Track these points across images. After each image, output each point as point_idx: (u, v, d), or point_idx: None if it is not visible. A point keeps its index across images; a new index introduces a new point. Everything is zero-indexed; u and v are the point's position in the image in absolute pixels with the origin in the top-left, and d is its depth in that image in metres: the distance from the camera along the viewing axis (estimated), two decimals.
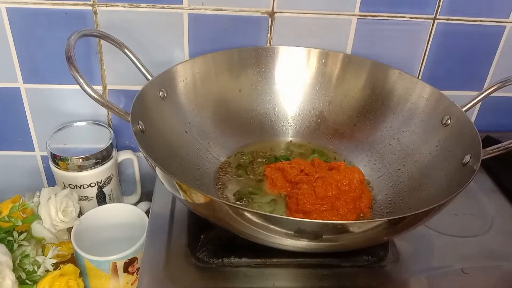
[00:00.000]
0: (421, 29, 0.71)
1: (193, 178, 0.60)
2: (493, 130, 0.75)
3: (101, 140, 0.71)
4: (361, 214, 0.57)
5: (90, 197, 0.72)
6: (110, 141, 0.71)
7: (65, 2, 0.65)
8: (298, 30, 0.70)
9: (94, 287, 0.65)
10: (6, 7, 0.65)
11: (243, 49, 0.68)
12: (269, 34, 0.70)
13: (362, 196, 0.58)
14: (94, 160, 0.69)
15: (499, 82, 0.60)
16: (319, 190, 0.55)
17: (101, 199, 0.73)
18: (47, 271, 0.60)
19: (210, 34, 0.69)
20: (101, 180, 0.71)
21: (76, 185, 0.70)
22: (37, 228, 0.62)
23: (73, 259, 0.66)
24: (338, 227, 0.43)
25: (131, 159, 0.77)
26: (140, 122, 0.54)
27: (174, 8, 0.67)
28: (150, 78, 0.61)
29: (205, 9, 0.67)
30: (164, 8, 0.67)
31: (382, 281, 0.53)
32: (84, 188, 0.70)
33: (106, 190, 0.73)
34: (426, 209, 0.43)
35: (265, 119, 0.70)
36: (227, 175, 0.63)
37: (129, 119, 0.52)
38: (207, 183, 0.61)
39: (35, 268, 0.59)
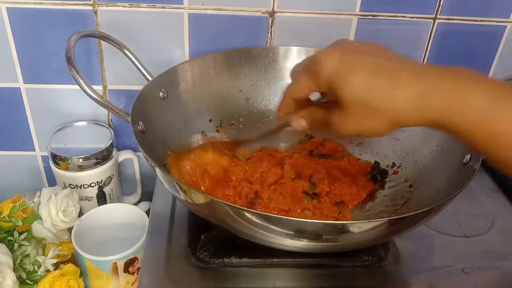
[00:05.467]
0: (421, 29, 0.71)
1: None
2: None
3: (102, 140, 0.71)
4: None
5: (91, 197, 0.72)
6: (111, 141, 0.71)
7: (65, 2, 0.65)
8: (298, 30, 0.70)
9: (94, 287, 0.65)
10: (6, 7, 0.65)
11: (243, 49, 0.68)
12: (269, 34, 0.70)
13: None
14: (94, 160, 0.69)
15: None
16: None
17: (102, 199, 0.73)
18: (48, 271, 0.60)
19: (210, 34, 0.69)
20: (102, 180, 0.71)
21: (76, 185, 0.70)
22: (37, 228, 0.62)
23: (74, 259, 0.66)
24: (338, 227, 0.43)
25: (132, 159, 0.77)
26: (140, 122, 0.54)
27: (174, 8, 0.67)
28: (150, 78, 0.61)
29: (205, 9, 0.67)
30: (164, 8, 0.67)
31: (383, 281, 0.53)
32: (84, 188, 0.70)
33: (106, 190, 0.73)
34: (426, 209, 0.43)
35: (265, 119, 0.70)
36: None
37: (129, 119, 0.52)
38: None
39: (36, 268, 0.60)
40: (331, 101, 0.42)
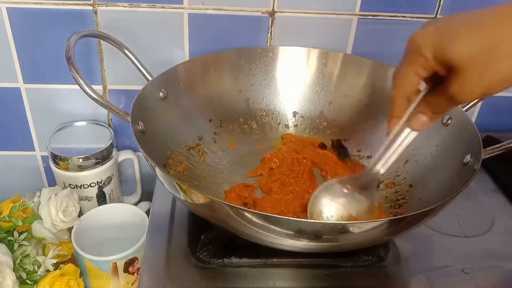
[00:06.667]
0: None
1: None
2: (494, 130, 0.75)
3: (101, 140, 0.71)
4: None
5: (90, 197, 0.72)
6: (110, 141, 0.71)
7: (65, 2, 0.65)
8: (298, 30, 0.70)
9: (94, 287, 0.65)
10: (6, 7, 0.65)
11: (243, 49, 0.68)
12: (269, 34, 0.70)
13: None
14: (94, 160, 0.69)
15: None
16: None
17: (101, 199, 0.73)
18: (48, 271, 0.60)
19: (210, 34, 0.69)
20: (101, 180, 0.71)
21: (76, 185, 0.70)
22: (37, 228, 0.62)
23: (74, 259, 0.66)
24: (338, 227, 0.43)
25: (131, 159, 0.77)
26: (140, 122, 0.54)
27: (174, 8, 0.67)
28: (150, 78, 0.61)
29: (205, 9, 0.67)
30: (164, 8, 0.67)
31: (383, 281, 0.53)
32: (84, 188, 0.70)
33: (106, 190, 0.73)
34: (426, 209, 0.43)
35: (265, 119, 0.70)
36: None
37: (129, 119, 0.52)
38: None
39: (36, 268, 0.60)
40: (435, 84, 0.40)
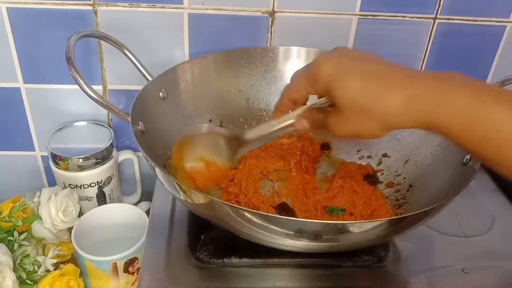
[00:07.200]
0: (421, 28, 0.71)
1: None
2: None
3: (101, 140, 0.71)
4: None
5: (90, 197, 0.72)
6: (110, 141, 0.71)
7: (65, 2, 0.65)
8: (298, 30, 0.70)
9: (94, 287, 0.65)
10: (6, 7, 0.65)
11: (243, 49, 0.68)
12: (269, 34, 0.70)
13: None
14: (94, 160, 0.69)
15: (500, 82, 0.60)
16: None
17: (101, 199, 0.73)
18: (48, 271, 0.60)
19: (210, 34, 0.69)
20: (101, 180, 0.71)
21: (76, 185, 0.70)
22: (37, 228, 0.62)
23: (74, 259, 0.66)
24: (338, 227, 0.43)
25: (131, 159, 0.77)
26: (140, 122, 0.54)
27: (174, 8, 0.67)
28: (150, 78, 0.61)
29: (205, 9, 0.67)
30: (164, 8, 0.67)
31: (383, 281, 0.53)
32: (84, 188, 0.70)
33: (106, 190, 0.73)
34: (426, 209, 0.43)
35: (265, 119, 0.70)
36: None
37: (129, 119, 0.52)
38: None
39: (36, 268, 0.60)
40: (330, 105, 0.43)
